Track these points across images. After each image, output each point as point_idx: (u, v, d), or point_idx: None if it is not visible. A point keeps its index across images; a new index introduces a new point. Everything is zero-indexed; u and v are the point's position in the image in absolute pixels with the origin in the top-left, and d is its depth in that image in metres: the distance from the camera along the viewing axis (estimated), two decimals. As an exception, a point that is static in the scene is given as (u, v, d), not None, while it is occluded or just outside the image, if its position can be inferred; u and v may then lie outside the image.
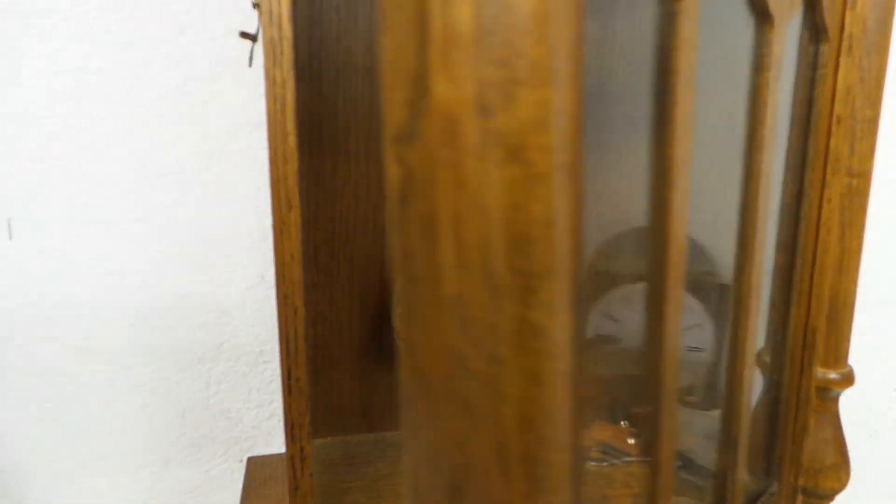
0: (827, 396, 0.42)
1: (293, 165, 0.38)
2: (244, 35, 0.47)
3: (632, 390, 0.65)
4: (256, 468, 0.57)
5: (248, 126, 0.56)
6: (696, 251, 0.52)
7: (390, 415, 0.60)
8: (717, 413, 0.43)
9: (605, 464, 0.54)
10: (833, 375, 0.42)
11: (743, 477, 0.37)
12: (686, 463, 0.51)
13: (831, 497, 0.43)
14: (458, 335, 0.14)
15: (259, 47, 0.37)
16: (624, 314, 0.56)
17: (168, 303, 0.57)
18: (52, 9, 0.51)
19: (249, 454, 0.62)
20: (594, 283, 0.55)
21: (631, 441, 0.57)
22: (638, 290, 0.58)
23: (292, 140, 0.38)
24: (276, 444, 0.63)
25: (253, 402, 0.61)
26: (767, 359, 0.44)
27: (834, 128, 0.39)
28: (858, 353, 0.45)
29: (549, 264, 0.13)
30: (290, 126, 0.38)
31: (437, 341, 0.14)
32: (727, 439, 0.36)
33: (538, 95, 0.13)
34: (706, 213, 0.35)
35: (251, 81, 0.55)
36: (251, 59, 0.50)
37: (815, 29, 0.38)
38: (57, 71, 0.52)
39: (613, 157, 0.50)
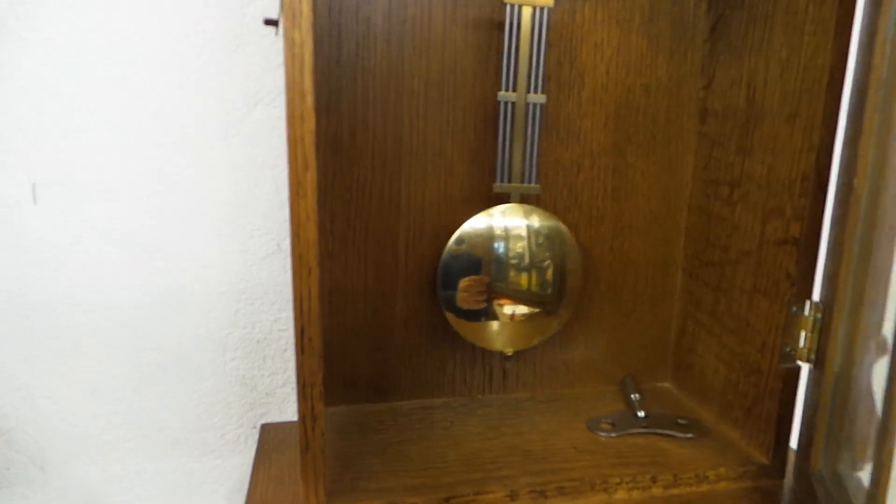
0: None
1: (310, 125, 0.38)
2: (268, 22, 0.48)
3: (643, 364, 0.64)
4: (270, 434, 0.58)
5: (270, 95, 0.57)
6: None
7: (403, 385, 0.60)
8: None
9: (613, 435, 0.54)
10: None
11: None
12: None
13: None
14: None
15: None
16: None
17: (185, 270, 0.58)
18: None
19: (263, 420, 0.63)
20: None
21: (641, 413, 0.57)
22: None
23: (310, 100, 0.38)
24: (289, 411, 0.63)
25: (267, 369, 0.62)
26: None
27: None
28: None
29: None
30: (308, 86, 0.38)
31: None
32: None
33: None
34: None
35: (273, 50, 0.56)
36: (277, 28, 0.50)
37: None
38: (79, 38, 0.53)
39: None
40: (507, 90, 0.53)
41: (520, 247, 0.54)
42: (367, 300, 0.58)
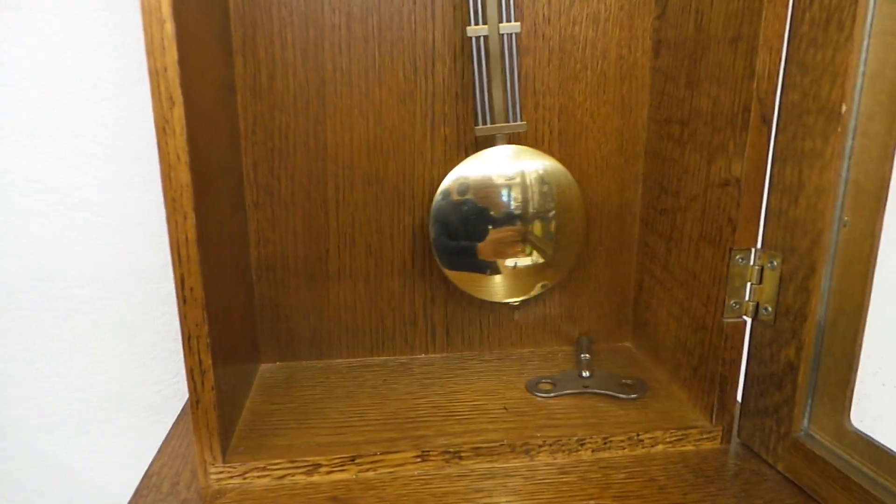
0: None
1: (172, 56, 0.35)
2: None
3: (602, 322, 0.60)
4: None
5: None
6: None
7: (341, 343, 0.58)
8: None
9: (551, 395, 0.51)
10: None
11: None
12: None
13: None
14: None
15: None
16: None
17: (114, 223, 0.57)
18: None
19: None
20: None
21: (585, 374, 0.53)
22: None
23: (169, 27, 0.35)
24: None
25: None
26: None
27: None
28: None
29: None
30: (167, 12, 0.35)
31: None
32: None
33: None
34: None
35: None
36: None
37: None
38: None
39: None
40: (476, 23, 0.48)
41: (523, 194, 0.51)
42: (298, 253, 0.55)
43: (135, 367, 0.60)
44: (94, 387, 0.60)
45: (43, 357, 0.59)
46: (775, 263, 0.42)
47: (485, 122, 0.50)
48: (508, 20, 0.48)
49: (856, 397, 0.41)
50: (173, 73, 0.36)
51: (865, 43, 0.36)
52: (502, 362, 0.57)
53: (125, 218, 0.57)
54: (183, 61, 0.36)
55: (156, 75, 0.36)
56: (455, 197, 0.50)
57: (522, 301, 0.55)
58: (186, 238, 0.38)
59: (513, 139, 0.52)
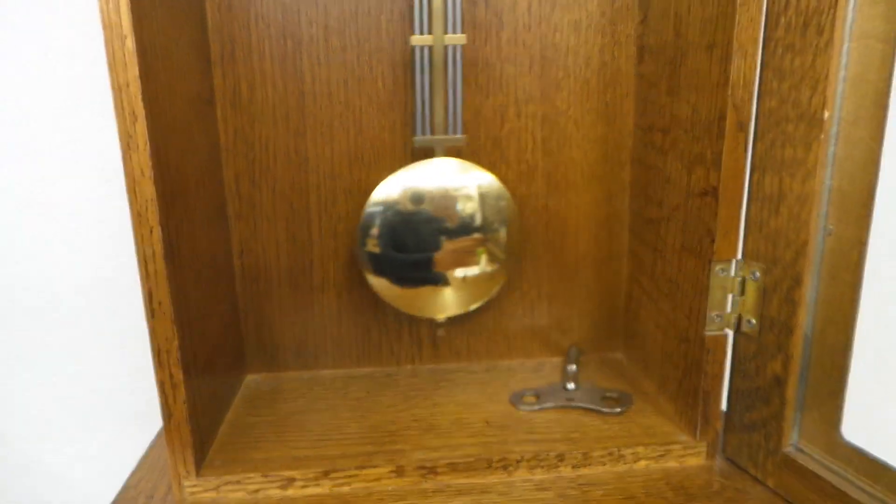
0: None
1: (134, 71, 0.35)
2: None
3: (593, 332, 0.59)
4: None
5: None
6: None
7: (326, 354, 0.57)
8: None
9: (535, 409, 0.50)
10: None
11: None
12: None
13: None
14: None
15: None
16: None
17: (103, 232, 0.57)
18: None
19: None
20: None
21: (570, 386, 0.52)
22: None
23: (130, 43, 0.35)
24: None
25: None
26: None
27: None
28: None
29: None
30: (127, 27, 0.35)
31: None
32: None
33: None
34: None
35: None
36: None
37: None
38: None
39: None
40: (420, 33, 0.48)
41: (470, 206, 0.50)
42: (281, 264, 0.55)
43: (124, 376, 0.60)
44: (85, 395, 0.60)
45: (34, 366, 0.59)
46: (757, 275, 0.40)
47: (424, 133, 0.50)
48: (454, 32, 0.48)
49: (847, 409, 0.39)
50: (135, 89, 0.36)
51: (846, 46, 0.35)
52: (489, 374, 0.57)
53: (112, 227, 0.57)
54: (147, 76, 0.36)
55: (118, 90, 0.36)
56: (409, 207, 0.50)
57: (448, 318, 0.54)
58: (153, 252, 0.38)
59: (453, 152, 0.51)
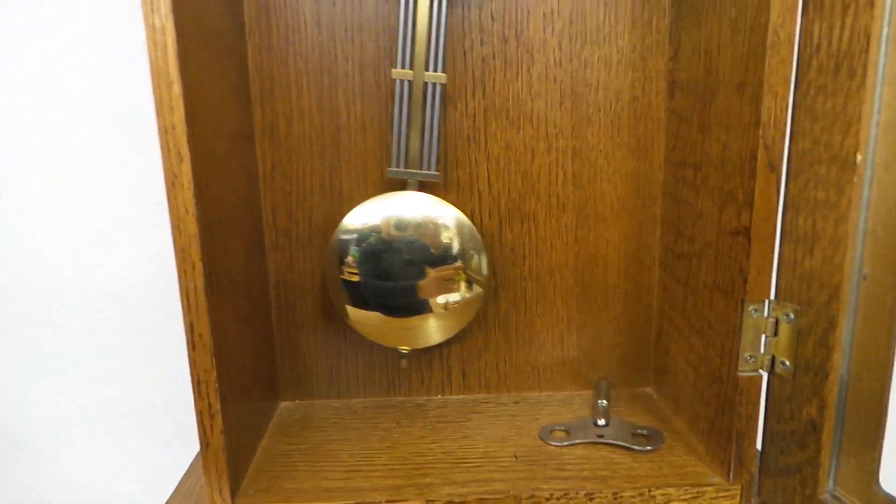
0: None
1: (180, 113, 0.37)
2: None
3: (622, 366, 0.59)
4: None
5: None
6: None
7: (358, 382, 0.58)
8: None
9: (564, 444, 0.50)
10: None
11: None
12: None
13: None
14: None
15: None
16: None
17: (127, 236, 0.59)
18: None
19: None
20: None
21: (601, 422, 0.52)
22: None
23: (177, 88, 0.37)
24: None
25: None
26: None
27: None
28: None
29: None
30: (174, 74, 0.36)
31: None
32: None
33: None
34: None
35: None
36: None
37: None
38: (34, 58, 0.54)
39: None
40: (402, 67, 0.49)
41: (446, 236, 0.51)
42: (315, 293, 0.56)
43: (150, 379, 0.62)
44: (110, 400, 0.62)
45: (58, 369, 0.61)
46: (791, 316, 0.40)
47: (398, 166, 0.50)
48: (436, 70, 0.48)
49: (885, 458, 0.39)
50: (181, 131, 0.37)
51: (878, 91, 0.34)
52: (518, 406, 0.57)
53: (149, 239, 0.59)
54: (192, 118, 0.38)
55: (164, 132, 0.38)
56: (392, 233, 0.50)
57: (412, 350, 0.54)
58: (195, 286, 0.40)
59: (426, 187, 0.52)
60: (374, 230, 0.50)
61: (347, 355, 0.58)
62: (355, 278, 0.51)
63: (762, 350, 0.42)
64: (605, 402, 0.53)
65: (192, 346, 0.41)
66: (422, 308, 0.52)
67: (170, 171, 0.38)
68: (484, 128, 0.53)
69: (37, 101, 0.56)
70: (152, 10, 0.36)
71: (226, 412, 0.42)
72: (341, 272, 0.51)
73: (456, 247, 0.51)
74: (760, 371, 0.42)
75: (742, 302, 0.41)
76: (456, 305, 0.52)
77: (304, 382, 0.58)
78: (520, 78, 0.52)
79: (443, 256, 0.51)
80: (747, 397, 0.43)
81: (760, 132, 0.38)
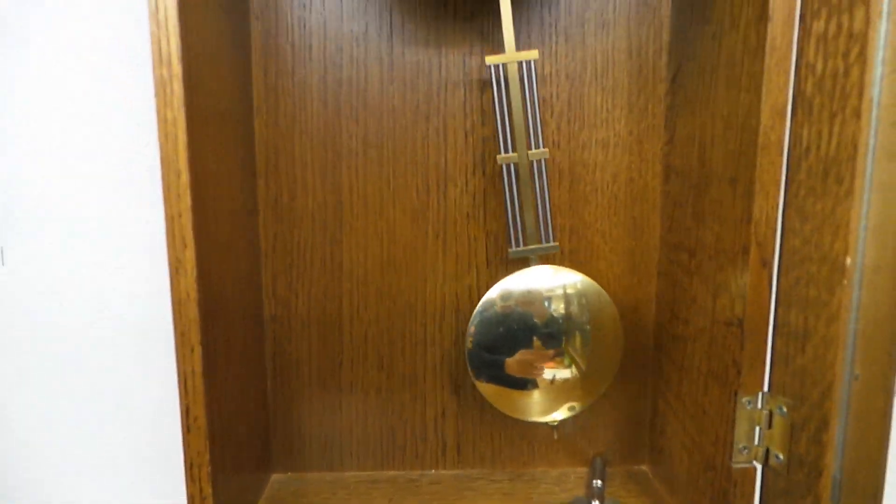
0: None
1: (186, 203, 0.38)
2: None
3: (618, 443, 0.59)
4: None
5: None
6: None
7: (351, 455, 0.58)
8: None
9: (558, 529, 0.49)
10: None
11: None
12: None
13: None
14: None
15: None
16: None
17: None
18: None
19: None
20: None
21: (595, 503, 0.51)
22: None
23: (185, 178, 0.38)
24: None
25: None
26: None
27: None
28: None
29: None
30: (183, 164, 0.38)
31: None
32: None
33: None
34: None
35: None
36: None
37: None
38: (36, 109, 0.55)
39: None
40: (506, 152, 0.49)
41: (561, 308, 0.51)
42: (312, 365, 0.56)
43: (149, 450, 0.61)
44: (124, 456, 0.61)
45: (75, 433, 0.61)
46: (784, 410, 0.40)
47: (517, 245, 0.51)
48: (537, 147, 0.49)
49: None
50: (186, 219, 0.38)
51: (866, 197, 0.35)
52: (513, 483, 0.56)
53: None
54: (198, 205, 0.39)
55: (171, 220, 0.38)
56: (499, 307, 0.50)
57: (561, 421, 0.53)
58: (193, 370, 0.40)
59: (547, 259, 0.52)
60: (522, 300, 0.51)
61: (342, 427, 0.57)
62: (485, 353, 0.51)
63: (756, 441, 0.42)
64: (599, 482, 0.53)
65: (186, 428, 0.41)
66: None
67: (174, 257, 0.39)
68: (483, 205, 0.54)
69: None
70: (165, 104, 0.37)
71: (217, 496, 0.42)
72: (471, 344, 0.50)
73: (573, 318, 0.51)
74: (755, 462, 0.42)
75: (735, 394, 0.41)
76: (561, 382, 0.51)
77: (297, 454, 0.58)
78: (518, 158, 0.53)
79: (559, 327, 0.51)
80: (741, 489, 0.42)
81: (753, 228, 0.39)
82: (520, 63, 0.48)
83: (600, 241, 0.55)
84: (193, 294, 0.39)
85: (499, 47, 0.51)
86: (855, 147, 0.35)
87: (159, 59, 0.37)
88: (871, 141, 0.35)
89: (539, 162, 0.50)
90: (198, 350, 0.40)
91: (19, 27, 0.55)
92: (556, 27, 0.52)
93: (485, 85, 0.52)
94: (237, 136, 0.49)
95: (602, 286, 0.55)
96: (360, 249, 0.55)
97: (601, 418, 0.58)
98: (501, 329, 0.50)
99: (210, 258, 0.42)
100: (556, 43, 0.52)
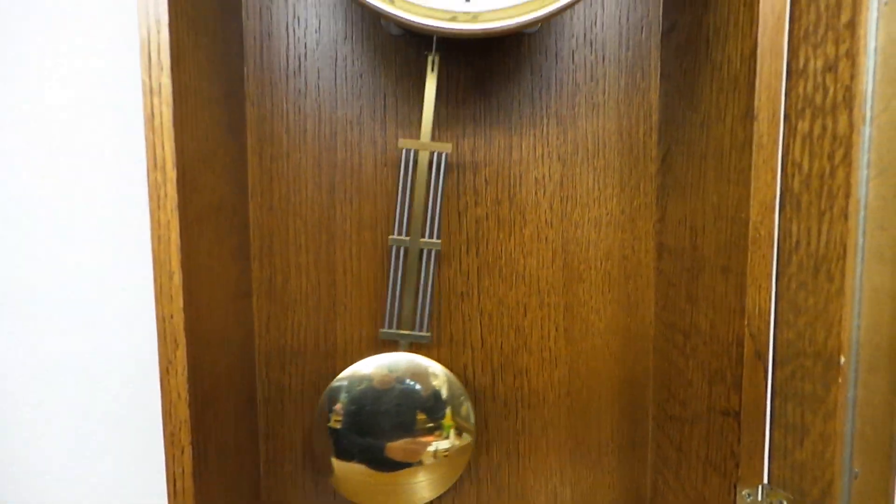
0: None
1: (178, 303, 0.38)
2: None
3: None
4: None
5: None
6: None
7: (346, 536, 0.57)
8: None
9: None
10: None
11: None
12: None
13: None
14: None
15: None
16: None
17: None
18: None
19: None
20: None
21: None
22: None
23: (177, 279, 0.38)
24: None
25: None
26: None
27: None
28: None
29: None
30: (175, 266, 0.38)
31: None
32: None
33: None
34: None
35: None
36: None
37: None
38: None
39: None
40: (399, 234, 0.50)
41: (433, 385, 0.51)
42: (303, 447, 0.55)
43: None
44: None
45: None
46: (785, 503, 0.40)
47: (390, 327, 0.51)
48: (431, 237, 0.50)
49: None
50: (178, 320, 0.38)
51: (857, 297, 0.36)
52: (511, 566, 0.55)
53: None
54: (190, 305, 0.39)
55: (162, 320, 0.38)
56: (381, 384, 0.51)
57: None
58: (182, 471, 0.39)
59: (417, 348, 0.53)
60: (365, 379, 0.51)
61: (337, 509, 0.56)
62: (338, 425, 0.51)
63: (759, 535, 0.41)
64: (601, 565, 0.52)
65: (176, 529, 0.40)
66: (411, 459, 0.51)
67: (165, 357, 0.38)
68: (477, 284, 0.54)
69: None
70: (159, 207, 0.37)
71: None
72: (328, 419, 0.51)
73: (444, 395, 0.51)
74: (759, 556, 0.41)
75: (735, 485, 0.41)
76: (445, 454, 0.51)
77: (292, 537, 0.56)
78: (513, 238, 0.54)
79: (431, 406, 0.51)
80: (746, 583, 0.41)
81: (746, 321, 0.39)
82: (432, 152, 0.49)
83: (595, 319, 0.55)
84: (184, 394, 0.39)
85: (490, 131, 0.52)
86: (844, 248, 0.35)
87: (153, 165, 0.37)
88: (860, 241, 0.35)
89: (429, 252, 0.50)
90: (188, 451, 0.39)
91: None
92: (546, 110, 0.53)
93: (477, 167, 0.53)
94: (231, 224, 0.49)
95: (598, 363, 0.55)
96: (355, 330, 0.54)
97: (601, 498, 0.57)
98: (385, 407, 0.51)
99: (202, 353, 0.41)
100: (548, 125, 0.53)
